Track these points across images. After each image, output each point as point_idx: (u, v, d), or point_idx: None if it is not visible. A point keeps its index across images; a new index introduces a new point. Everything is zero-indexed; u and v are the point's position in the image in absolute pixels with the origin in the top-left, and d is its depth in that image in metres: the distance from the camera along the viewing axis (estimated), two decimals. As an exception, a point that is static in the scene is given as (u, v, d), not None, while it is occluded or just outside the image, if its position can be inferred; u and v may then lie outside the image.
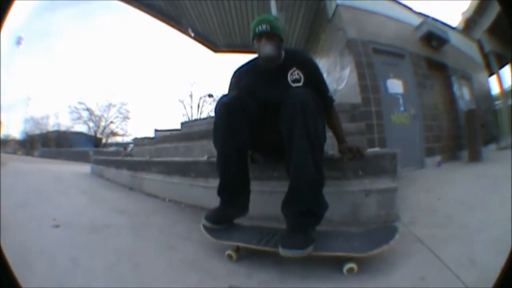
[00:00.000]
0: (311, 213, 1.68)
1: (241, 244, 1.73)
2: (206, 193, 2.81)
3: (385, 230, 1.79)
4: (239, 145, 1.92)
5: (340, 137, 2.22)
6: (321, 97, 2.00)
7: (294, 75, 2.09)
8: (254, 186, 2.37)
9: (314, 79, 2.14)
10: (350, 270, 1.50)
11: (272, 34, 2.06)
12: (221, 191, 1.97)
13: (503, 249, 1.10)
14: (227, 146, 1.90)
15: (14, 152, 23.77)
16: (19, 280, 1.10)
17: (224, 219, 1.91)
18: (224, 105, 1.89)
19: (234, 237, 1.78)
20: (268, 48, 2.06)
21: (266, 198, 2.30)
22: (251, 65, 2.31)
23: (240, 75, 2.32)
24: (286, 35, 8.27)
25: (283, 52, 2.17)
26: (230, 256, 1.73)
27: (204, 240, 1.86)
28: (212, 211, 1.93)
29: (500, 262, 1.02)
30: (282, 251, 1.52)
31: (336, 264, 1.55)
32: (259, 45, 2.10)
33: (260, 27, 2.05)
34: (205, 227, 1.87)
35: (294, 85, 2.07)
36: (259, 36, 2.07)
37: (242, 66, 2.37)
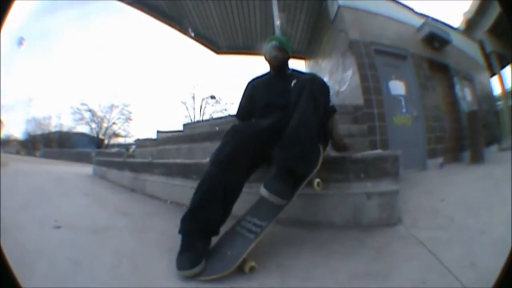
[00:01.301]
0: (300, 160, 1.77)
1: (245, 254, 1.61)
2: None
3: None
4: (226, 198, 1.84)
5: (334, 141, 2.32)
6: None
7: None
8: (255, 188, 2.37)
9: None
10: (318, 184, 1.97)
11: (280, 46, 2.49)
12: (187, 218, 1.76)
13: (504, 251, 1.10)
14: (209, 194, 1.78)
15: (17, 153, 23.81)
16: (19, 281, 1.10)
17: (198, 258, 1.59)
18: (236, 133, 1.94)
19: (231, 254, 1.65)
20: (274, 52, 2.47)
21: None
22: (263, 77, 2.65)
23: (253, 85, 2.63)
24: (288, 37, 8.31)
25: (290, 68, 2.59)
26: (252, 268, 1.59)
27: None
28: (181, 256, 1.62)
29: (500, 264, 1.02)
30: (262, 191, 1.71)
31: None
32: (270, 57, 2.50)
33: (271, 43, 2.50)
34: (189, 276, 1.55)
35: None
36: (269, 50, 2.50)
37: (256, 78, 2.69)
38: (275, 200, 1.68)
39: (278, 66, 2.50)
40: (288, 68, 2.57)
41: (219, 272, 1.54)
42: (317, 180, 1.97)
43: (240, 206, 1.96)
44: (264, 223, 1.74)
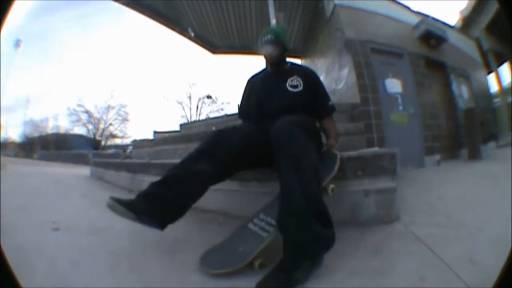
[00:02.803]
0: (302, 247, 1.48)
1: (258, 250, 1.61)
2: (206, 195, 2.80)
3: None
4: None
5: (329, 138, 2.28)
6: (319, 105, 2.30)
7: (293, 82, 2.29)
8: (253, 187, 2.37)
9: (314, 88, 2.34)
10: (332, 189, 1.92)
11: (276, 42, 2.32)
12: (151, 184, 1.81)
13: (503, 248, 1.10)
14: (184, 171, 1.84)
15: (16, 155, 23.76)
16: (19, 281, 1.10)
17: (125, 203, 1.62)
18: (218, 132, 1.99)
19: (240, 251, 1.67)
20: (269, 49, 2.32)
21: (265, 199, 2.29)
22: (261, 74, 2.55)
23: (251, 83, 2.58)
24: (284, 28, 8.30)
25: (288, 63, 2.46)
26: (262, 264, 1.59)
27: (204, 242, 1.86)
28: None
29: (500, 261, 1.02)
30: None
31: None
32: (265, 51, 2.35)
33: (266, 36, 2.33)
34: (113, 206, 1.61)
35: (291, 90, 2.26)
36: (265, 44, 2.34)
37: (255, 74, 2.61)
38: None
39: (273, 63, 2.41)
40: (286, 63, 2.46)
41: (229, 266, 1.56)
42: (331, 186, 1.94)
43: (239, 206, 1.96)
44: None
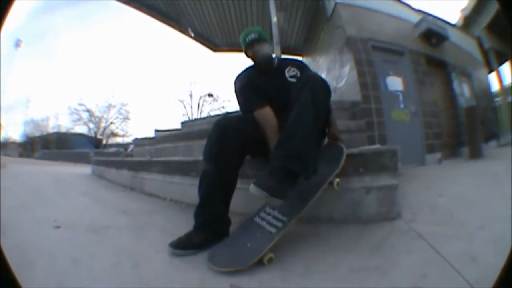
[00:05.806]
0: (297, 159, 1.66)
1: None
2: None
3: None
4: (228, 168, 1.97)
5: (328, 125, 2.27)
6: None
7: (291, 72, 2.34)
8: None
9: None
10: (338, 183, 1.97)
11: (262, 40, 2.30)
12: (197, 212, 1.97)
13: (504, 246, 1.10)
14: (217, 167, 1.92)
15: (20, 155, 23.81)
16: (19, 281, 1.10)
17: (188, 246, 1.82)
18: (218, 128, 1.97)
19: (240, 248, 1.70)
20: (264, 49, 2.30)
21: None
22: (251, 72, 2.40)
23: (249, 83, 2.33)
24: (285, 35, 8.29)
25: (276, 58, 2.43)
26: (271, 260, 1.63)
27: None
28: (180, 237, 1.88)
29: (500, 259, 1.01)
30: (251, 187, 1.60)
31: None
32: (253, 51, 2.32)
33: (250, 36, 2.29)
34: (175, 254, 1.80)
35: (291, 80, 2.29)
36: (251, 44, 2.30)
37: (242, 73, 2.44)
38: (262, 195, 1.57)
39: (267, 62, 2.34)
40: (274, 58, 2.39)
41: (239, 264, 1.57)
42: (337, 180, 1.98)
43: (241, 203, 1.97)
44: (285, 218, 1.75)
